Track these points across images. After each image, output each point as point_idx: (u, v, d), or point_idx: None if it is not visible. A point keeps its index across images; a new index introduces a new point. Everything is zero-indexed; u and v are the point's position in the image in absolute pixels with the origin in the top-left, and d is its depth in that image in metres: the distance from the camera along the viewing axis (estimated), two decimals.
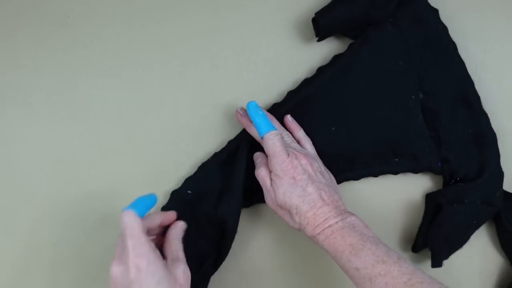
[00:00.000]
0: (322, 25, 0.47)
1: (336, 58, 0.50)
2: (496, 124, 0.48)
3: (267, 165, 0.44)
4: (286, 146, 0.44)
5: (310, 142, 0.47)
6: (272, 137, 0.43)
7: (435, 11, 0.49)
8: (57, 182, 0.50)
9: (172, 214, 0.43)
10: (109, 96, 0.51)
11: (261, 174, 0.44)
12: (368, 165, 0.48)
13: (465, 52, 0.49)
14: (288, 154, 0.42)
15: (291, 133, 0.47)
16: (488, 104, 0.49)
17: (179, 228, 0.43)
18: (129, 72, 0.52)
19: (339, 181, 0.47)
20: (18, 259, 0.49)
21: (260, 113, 0.44)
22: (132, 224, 0.37)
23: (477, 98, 0.48)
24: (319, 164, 0.44)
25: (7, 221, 0.50)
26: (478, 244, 0.49)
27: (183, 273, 0.39)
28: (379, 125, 0.48)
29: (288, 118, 0.48)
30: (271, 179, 0.43)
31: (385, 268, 0.37)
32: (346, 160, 0.48)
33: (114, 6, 0.53)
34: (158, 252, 0.38)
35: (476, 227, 0.47)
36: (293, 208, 0.42)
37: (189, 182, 0.48)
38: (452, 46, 0.49)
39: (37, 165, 0.50)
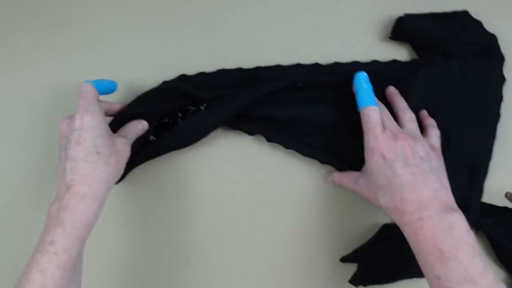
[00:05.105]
0: (405, 26, 0.47)
1: (393, 64, 0.49)
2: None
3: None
4: (386, 125, 0.40)
5: (415, 120, 0.43)
6: (370, 112, 0.40)
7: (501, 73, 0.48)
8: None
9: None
10: (109, 96, 0.51)
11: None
12: None
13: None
14: (384, 131, 0.39)
15: (392, 104, 0.45)
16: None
17: (141, 125, 0.45)
18: (129, 72, 0.52)
19: None
20: (18, 259, 0.49)
21: (365, 86, 0.42)
22: (87, 90, 0.41)
23: (485, 174, 0.46)
24: (423, 148, 0.39)
25: (7, 221, 0.50)
26: None
27: (123, 145, 0.41)
28: None
29: (390, 89, 0.45)
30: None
31: None
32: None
33: (114, 6, 0.53)
34: (104, 117, 0.41)
35: (410, 275, 0.45)
36: (380, 189, 0.38)
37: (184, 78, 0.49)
38: (497, 118, 0.47)
39: (37, 165, 0.50)
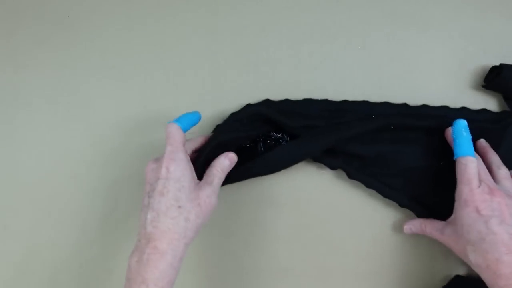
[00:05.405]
0: (503, 76, 0.45)
1: (483, 113, 0.47)
2: None
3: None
4: (482, 179, 0.39)
5: (510, 178, 0.41)
6: (467, 163, 0.39)
7: None
8: (57, 182, 0.50)
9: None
10: (109, 96, 0.51)
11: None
12: None
13: (465, 52, 0.49)
14: (480, 185, 0.38)
15: (484, 157, 0.43)
16: (489, 104, 0.49)
17: (228, 159, 0.43)
18: (129, 72, 0.52)
19: None
20: (18, 259, 0.49)
21: (465, 134, 0.41)
22: (174, 134, 0.40)
23: None
24: None
25: (7, 221, 0.50)
26: None
27: (207, 197, 0.40)
28: None
29: (482, 143, 0.44)
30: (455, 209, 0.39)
31: None
32: None
33: (114, 6, 0.53)
34: (191, 166, 0.40)
35: None
36: (470, 244, 0.37)
37: (269, 103, 0.48)
38: None
39: (37, 165, 0.51)
